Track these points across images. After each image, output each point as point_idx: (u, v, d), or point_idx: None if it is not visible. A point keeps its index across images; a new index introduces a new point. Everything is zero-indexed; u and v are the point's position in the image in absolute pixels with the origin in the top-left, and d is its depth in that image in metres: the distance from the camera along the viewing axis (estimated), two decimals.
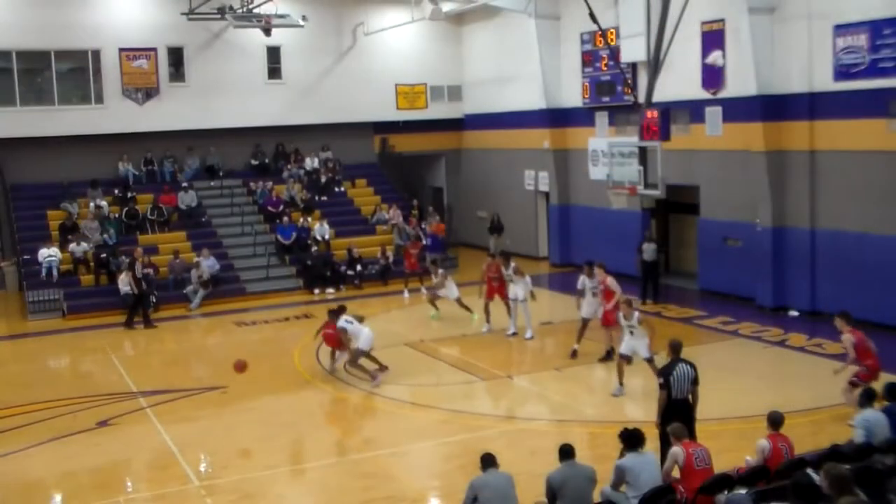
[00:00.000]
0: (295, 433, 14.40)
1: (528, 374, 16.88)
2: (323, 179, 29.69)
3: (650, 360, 14.55)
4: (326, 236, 27.16)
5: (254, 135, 29.93)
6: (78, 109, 27.39)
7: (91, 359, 20.00)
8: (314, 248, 26.54)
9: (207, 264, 24.47)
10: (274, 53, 29.61)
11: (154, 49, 27.96)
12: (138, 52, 27.79)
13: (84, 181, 27.06)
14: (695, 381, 11.15)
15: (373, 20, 30.49)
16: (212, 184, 29.10)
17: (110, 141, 27.67)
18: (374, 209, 29.07)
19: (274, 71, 29.79)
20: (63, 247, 24.77)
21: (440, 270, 22.02)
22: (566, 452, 9.26)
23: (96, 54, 27.43)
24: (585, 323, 17.41)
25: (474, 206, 32.24)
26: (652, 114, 19.55)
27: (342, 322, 16.39)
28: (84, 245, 24.81)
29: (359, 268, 25.95)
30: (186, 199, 27.61)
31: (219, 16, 26.28)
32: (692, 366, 11.18)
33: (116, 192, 27.42)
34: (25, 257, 24.93)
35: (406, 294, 24.22)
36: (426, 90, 32.04)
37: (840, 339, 13.57)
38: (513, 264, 19.51)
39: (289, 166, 29.97)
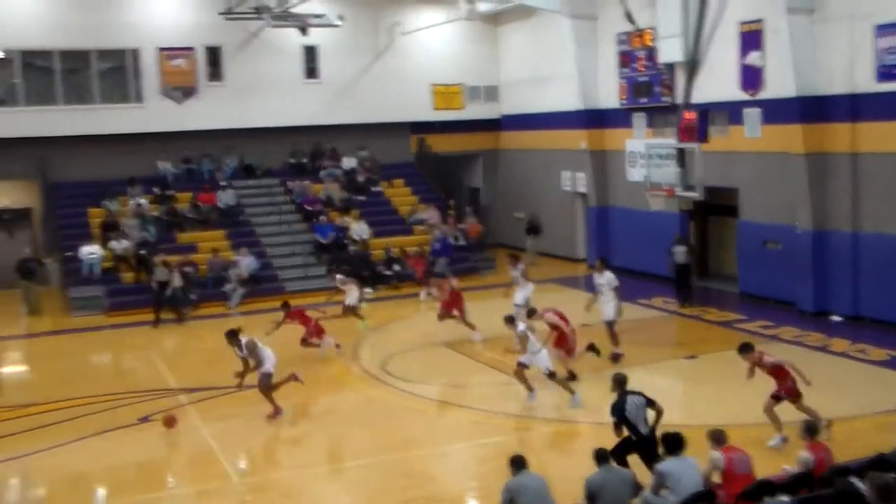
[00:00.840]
0: (334, 432, 14.51)
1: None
2: (360, 179, 29.79)
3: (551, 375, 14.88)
4: (365, 236, 27.26)
5: (291, 134, 30.03)
6: (118, 108, 27.69)
7: (132, 355, 20.29)
8: (351, 248, 26.64)
9: (246, 263, 24.66)
10: (311, 53, 29.75)
11: (192, 48, 28.25)
12: (177, 52, 28.10)
13: (123, 179, 27.38)
14: (649, 404, 10.97)
15: (409, 20, 30.57)
16: (250, 183, 29.31)
17: (149, 139, 27.99)
18: (412, 209, 29.15)
19: (311, 70, 29.95)
20: (104, 244, 25.09)
21: (338, 276, 21.86)
22: (602, 457, 9.28)
23: (136, 53, 27.75)
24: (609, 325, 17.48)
25: (511, 207, 32.18)
26: (690, 115, 19.41)
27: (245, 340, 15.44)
28: (125, 242, 25.13)
29: (397, 268, 25.99)
30: (225, 197, 27.81)
31: (256, 15, 26.43)
32: (640, 394, 11.04)
33: (156, 190, 27.74)
34: (67, 254, 25.30)
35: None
36: (463, 90, 32.05)
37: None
38: (521, 266, 19.53)
39: (325, 163, 30.08)
